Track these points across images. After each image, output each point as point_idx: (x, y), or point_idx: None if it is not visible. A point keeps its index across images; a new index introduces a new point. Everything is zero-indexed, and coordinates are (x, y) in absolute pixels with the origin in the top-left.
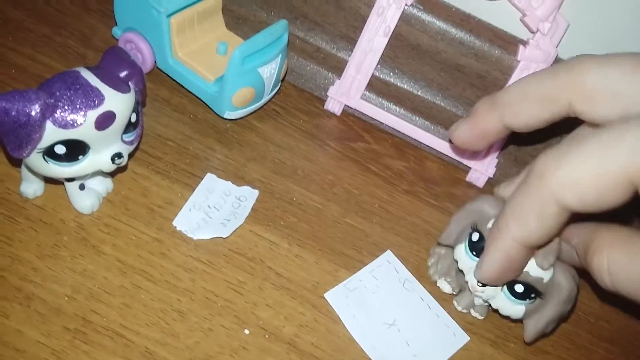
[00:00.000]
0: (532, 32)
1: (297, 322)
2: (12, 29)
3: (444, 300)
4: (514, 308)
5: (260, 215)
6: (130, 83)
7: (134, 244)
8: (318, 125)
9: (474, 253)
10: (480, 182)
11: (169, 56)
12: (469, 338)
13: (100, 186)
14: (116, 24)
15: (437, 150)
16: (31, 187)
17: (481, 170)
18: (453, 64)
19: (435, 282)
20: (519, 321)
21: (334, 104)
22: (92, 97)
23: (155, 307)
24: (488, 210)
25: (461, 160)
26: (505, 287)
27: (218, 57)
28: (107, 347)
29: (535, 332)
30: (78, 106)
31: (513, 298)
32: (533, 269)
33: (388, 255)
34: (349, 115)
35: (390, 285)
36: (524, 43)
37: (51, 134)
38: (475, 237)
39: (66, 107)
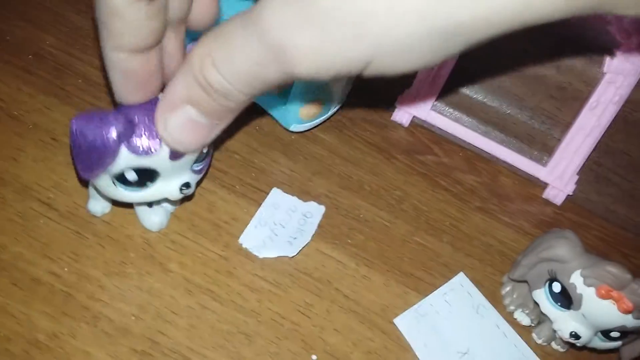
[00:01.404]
0: (620, 43)
1: (365, 348)
2: (78, 37)
3: (521, 327)
4: (609, 345)
5: (327, 233)
6: None
7: (200, 261)
8: (385, 137)
9: (559, 304)
10: (558, 199)
11: None
12: None
13: (168, 203)
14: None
15: (511, 165)
16: (99, 205)
17: (559, 187)
18: (532, 74)
19: (512, 313)
20: (604, 351)
21: (401, 115)
22: None
23: (222, 329)
24: (566, 258)
25: (538, 175)
26: (600, 333)
27: None
28: None
29: (631, 358)
30: (155, 134)
31: (609, 341)
32: (630, 321)
33: (461, 278)
34: (418, 126)
35: (463, 311)
36: (611, 54)
37: (124, 159)
38: (556, 287)
39: (143, 134)
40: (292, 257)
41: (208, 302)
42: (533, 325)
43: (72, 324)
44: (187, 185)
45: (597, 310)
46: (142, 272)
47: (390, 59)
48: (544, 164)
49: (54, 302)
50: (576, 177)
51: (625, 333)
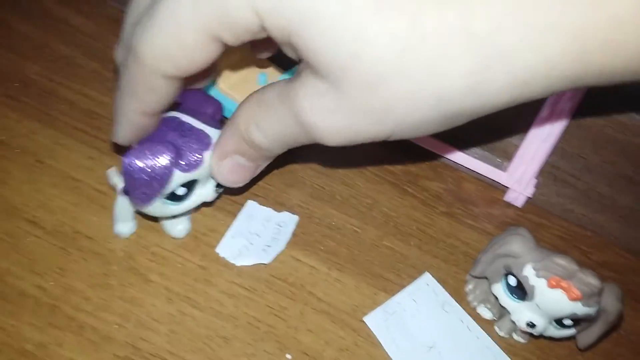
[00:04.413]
0: None
1: (337, 346)
2: (63, 65)
3: (484, 322)
4: (564, 333)
5: (300, 241)
6: (216, 118)
7: (179, 271)
8: (354, 148)
9: (515, 296)
10: (519, 202)
11: (211, 88)
12: None
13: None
14: None
15: (473, 171)
16: (127, 226)
17: (519, 190)
18: None
19: (475, 308)
20: (562, 339)
21: None
22: (203, 139)
23: (200, 334)
24: (519, 253)
25: (499, 180)
26: (554, 322)
27: (259, 87)
28: None
29: (587, 345)
30: (196, 150)
31: (563, 329)
32: (580, 309)
33: (427, 278)
34: None
35: (429, 308)
36: None
37: (177, 179)
38: (512, 281)
39: (188, 153)
40: (267, 264)
41: (187, 309)
42: (495, 319)
43: (59, 333)
44: (219, 185)
45: (549, 299)
46: (125, 283)
47: (407, 132)
48: (505, 169)
49: (40, 313)
50: (535, 181)
51: (578, 321)
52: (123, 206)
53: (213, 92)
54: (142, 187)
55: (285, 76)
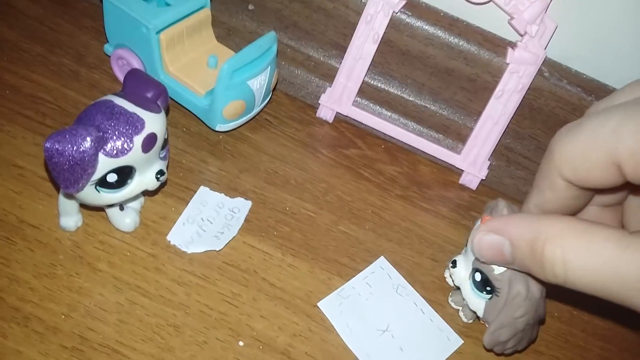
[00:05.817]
0: (521, 35)
1: (291, 332)
2: (6, 49)
3: (439, 304)
4: (476, 301)
5: (254, 226)
6: (158, 102)
7: (128, 260)
8: (310, 134)
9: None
10: (473, 184)
11: (160, 71)
12: (462, 341)
13: (135, 203)
14: (107, 41)
15: (429, 154)
16: (72, 220)
17: (474, 173)
18: (443, 68)
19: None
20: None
21: (325, 112)
22: (134, 123)
23: (150, 323)
24: (496, 207)
25: (453, 163)
26: (471, 279)
27: (209, 70)
28: None
29: (488, 334)
30: (124, 134)
31: (475, 289)
32: None
33: (381, 262)
34: (342, 122)
35: (383, 292)
36: (513, 45)
37: (104, 164)
38: None
39: (114, 137)
40: (219, 250)
41: (137, 298)
42: (454, 287)
43: (3, 325)
44: (161, 172)
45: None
46: (72, 273)
47: None
48: (459, 152)
49: None
50: (488, 163)
51: (486, 284)
52: (66, 199)
53: (162, 76)
54: (64, 172)
55: (240, 57)
